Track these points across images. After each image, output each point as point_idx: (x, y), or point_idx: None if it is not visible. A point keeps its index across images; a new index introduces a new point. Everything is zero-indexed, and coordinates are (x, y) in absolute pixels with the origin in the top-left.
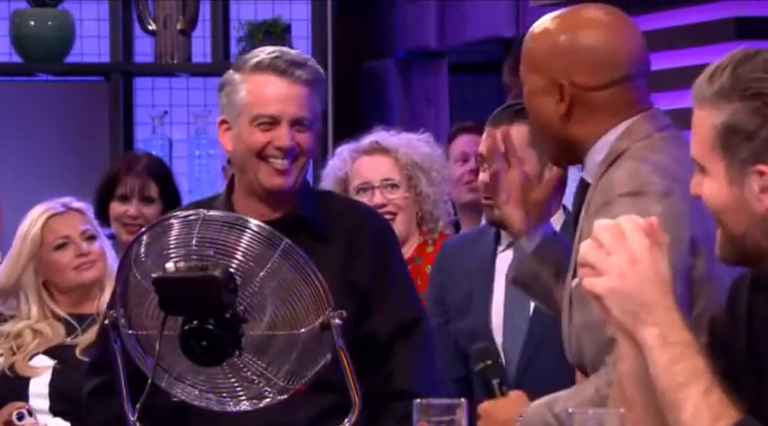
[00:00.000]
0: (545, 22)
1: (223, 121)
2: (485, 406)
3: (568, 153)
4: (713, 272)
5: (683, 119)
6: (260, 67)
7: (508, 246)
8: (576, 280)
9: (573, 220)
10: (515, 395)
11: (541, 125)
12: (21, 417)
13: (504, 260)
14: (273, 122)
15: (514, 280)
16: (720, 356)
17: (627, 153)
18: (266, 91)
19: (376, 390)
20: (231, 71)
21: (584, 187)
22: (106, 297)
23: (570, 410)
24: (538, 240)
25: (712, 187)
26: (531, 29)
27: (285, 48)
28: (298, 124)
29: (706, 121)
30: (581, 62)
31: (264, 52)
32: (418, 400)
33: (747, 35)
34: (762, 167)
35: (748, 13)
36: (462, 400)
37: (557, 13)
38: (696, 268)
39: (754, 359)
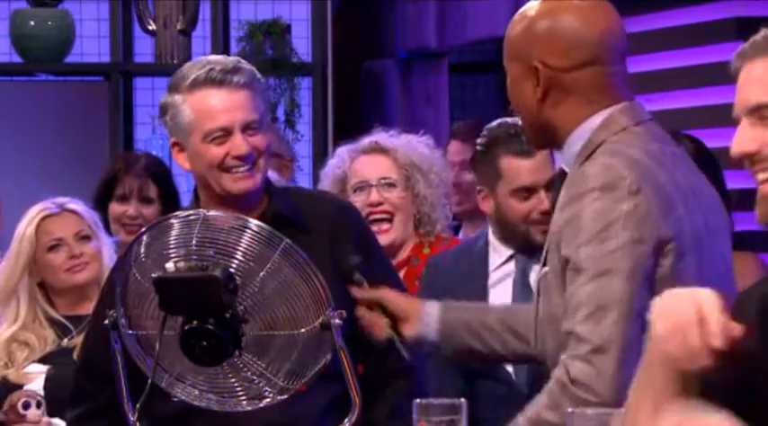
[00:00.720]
0: (523, 10)
1: (175, 143)
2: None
3: (549, 138)
4: (679, 271)
5: (683, 119)
6: (197, 84)
7: (505, 262)
8: (542, 271)
9: (552, 209)
10: None
11: (523, 112)
12: (27, 406)
13: (498, 275)
14: (225, 134)
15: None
16: (733, 360)
17: (603, 145)
18: (210, 105)
19: (372, 368)
20: (168, 94)
21: (562, 177)
22: None
23: (570, 410)
24: (435, 326)
25: None
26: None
27: (212, 58)
28: (248, 128)
29: None
30: (553, 44)
31: (195, 68)
32: (418, 400)
33: (748, 35)
34: None
35: (749, 13)
36: (462, 400)
37: (535, 2)
38: (662, 266)
39: None
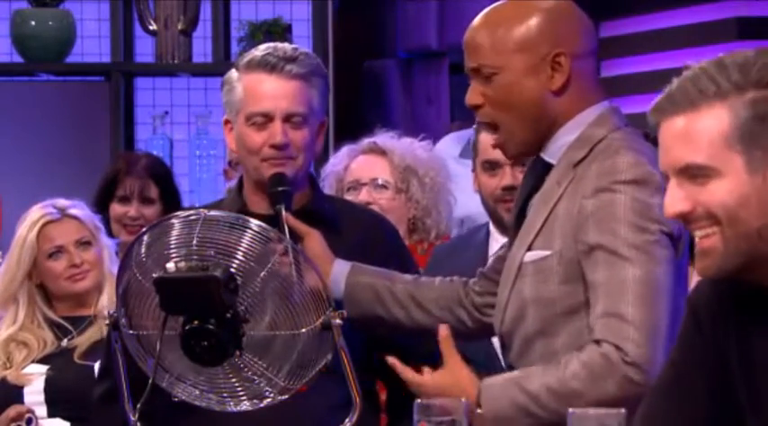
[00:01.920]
0: (502, 9)
1: (227, 121)
2: (423, 383)
3: (542, 134)
4: (681, 266)
5: None
6: (251, 65)
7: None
8: (532, 254)
9: (523, 197)
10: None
11: (520, 110)
12: (29, 422)
13: None
14: (266, 120)
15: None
16: (701, 376)
17: (609, 141)
18: (258, 88)
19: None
20: (232, 70)
21: (541, 166)
22: (104, 299)
23: (571, 410)
24: (341, 285)
25: (726, 186)
26: (486, 21)
27: (282, 44)
28: (291, 120)
29: (719, 119)
30: (567, 30)
31: (259, 49)
32: (419, 400)
33: (748, 35)
34: None
35: (749, 13)
36: (463, 400)
37: (505, 3)
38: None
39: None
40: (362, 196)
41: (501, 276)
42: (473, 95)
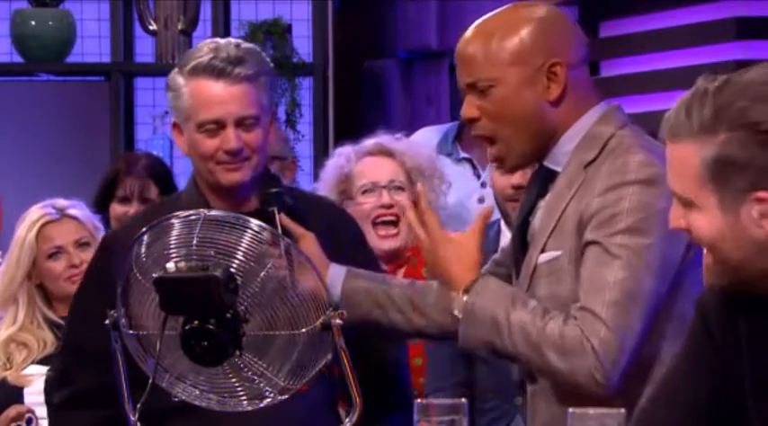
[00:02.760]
0: (493, 21)
1: (175, 124)
2: (434, 229)
3: (543, 144)
4: (694, 262)
5: None
6: (197, 71)
7: None
8: (545, 255)
9: (529, 205)
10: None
11: (519, 121)
12: (29, 422)
13: None
14: (218, 127)
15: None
16: (706, 377)
17: (620, 139)
18: (206, 95)
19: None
20: (175, 71)
21: (545, 174)
22: None
23: (570, 410)
24: (338, 289)
25: (703, 219)
26: (477, 33)
27: (224, 43)
28: (243, 123)
29: (690, 157)
30: (560, 39)
31: (202, 51)
32: (419, 400)
33: (748, 35)
34: (761, 194)
35: (749, 13)
36: (463, 400)
37: (496, 13)
38: (687, 258)
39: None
40: (385, 198)
41: (513, 279)
42: (469, 109)
